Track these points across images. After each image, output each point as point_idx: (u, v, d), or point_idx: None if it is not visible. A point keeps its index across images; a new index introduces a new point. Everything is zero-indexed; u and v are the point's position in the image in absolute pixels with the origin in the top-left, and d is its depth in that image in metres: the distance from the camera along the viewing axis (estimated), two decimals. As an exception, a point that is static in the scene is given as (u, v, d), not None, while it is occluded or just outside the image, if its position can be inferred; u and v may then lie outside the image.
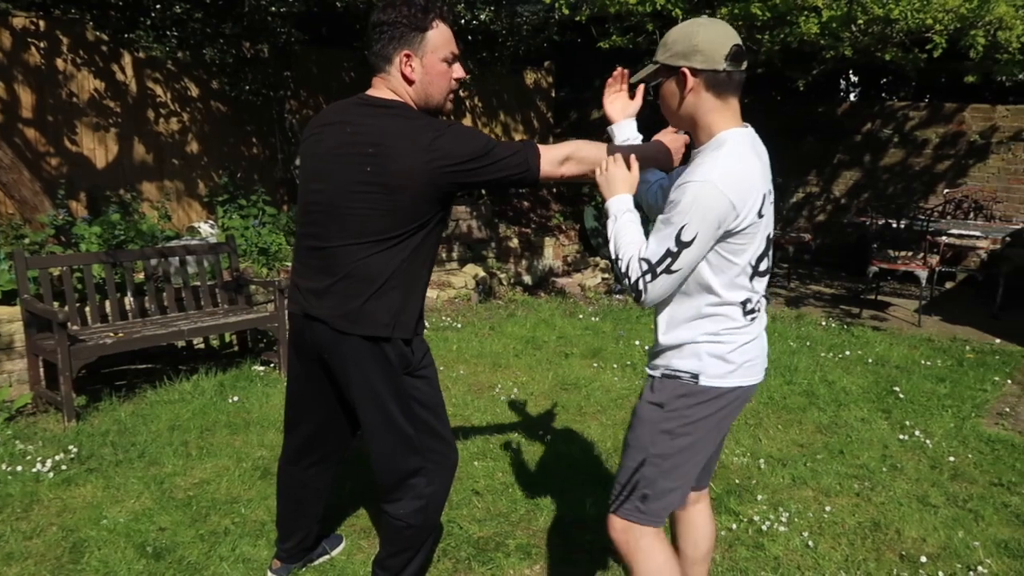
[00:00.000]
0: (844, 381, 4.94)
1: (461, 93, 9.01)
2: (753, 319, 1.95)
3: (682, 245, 1.77)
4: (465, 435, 3.97)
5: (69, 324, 4.13)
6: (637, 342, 5.80)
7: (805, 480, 3.58)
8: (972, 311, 6.98)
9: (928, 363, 5.38)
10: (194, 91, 6.86)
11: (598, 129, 8.90)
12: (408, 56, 2.05)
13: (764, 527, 3.12)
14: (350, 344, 2.14)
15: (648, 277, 1.84)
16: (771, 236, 1.93)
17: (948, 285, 8.20)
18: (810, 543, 3.01)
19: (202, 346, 5.40)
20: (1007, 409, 4.53)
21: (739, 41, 1.83)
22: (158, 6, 5.61)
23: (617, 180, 2.00)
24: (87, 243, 5.01)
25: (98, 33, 6.13)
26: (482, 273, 7.32)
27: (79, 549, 2.88)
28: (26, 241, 4.72)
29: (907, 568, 2.86)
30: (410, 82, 2.08)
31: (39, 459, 3.56)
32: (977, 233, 6.96)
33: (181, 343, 5.19)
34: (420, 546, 2.34)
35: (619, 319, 6.59)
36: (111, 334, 4.38)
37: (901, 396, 4.66)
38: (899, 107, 8.79)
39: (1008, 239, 7.11)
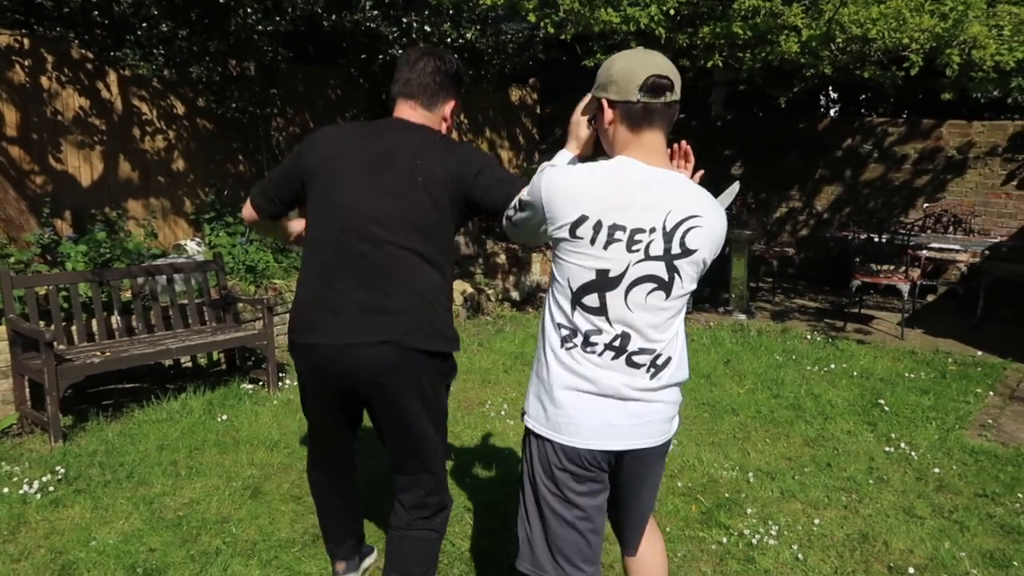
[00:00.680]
0: (830, 394, 5.00)
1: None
2: (568, 348, 1.81)
3: (518, 205, 1.92)
4: (456, 452, 3.98)
5: (56, 343, 4.10)
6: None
7: (794, 493, 3.61)
8: (953, 323, 7.08)
9: (912, 376, 5.45)
10: (180, 108, 6.85)
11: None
12: (455, 105, 2.32)
13: (754, 540, 3.15)
14: (415, 361, 2.14)
15: (508, 213, 1.99)
16: (612, 277, 1.75)
17: (929, 298, 8.31)
18: (800, 556, 3.05)
19: (189, 364, 5.37)
20: (990, 420, 4.60)
21: (661, 72, 1.74)
22: (144, 24, 5.61)
23: (571, 135, 2.01)
24: (73, 262, 4.97)
25: (83, 51, 6.12)
26: (470, 289, 7.34)
27: (68, 571, 2.85)
28: (11, 260, 4.68)
29: (896, 579, 2.90)
30: (448, 128, 2.33)
31: (26, 480, 3.53)
32: (957, 247, 7.07)
33: (168, 362, 5.16)
34: (439, 551, 2.42)
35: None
36: (98, 353, 4.35)
37: (886, 409, 4.72)
38: (878, 123, 8.94)
39: (987, 252, 7.23)
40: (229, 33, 5.79)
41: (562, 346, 1.82)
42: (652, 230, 1.73)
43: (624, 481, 1.95)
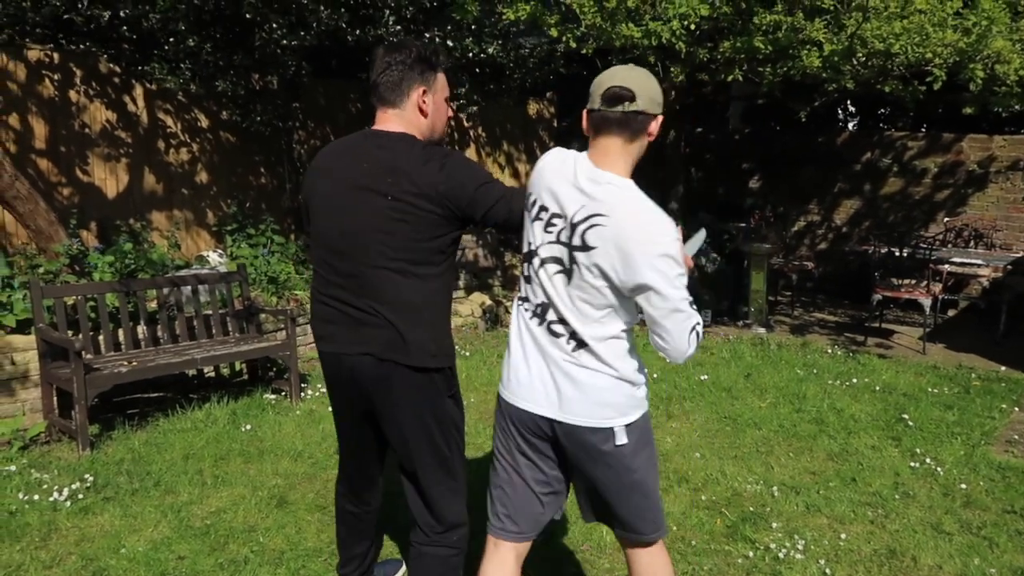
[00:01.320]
0: (853, 409, 4.97)
1: (465, 123, 9.15)
2: (517, 311, 2.06)
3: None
4: (479, 464, 3.98)
5: (84, 353, 4.16)
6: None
7: (819, 508, 3.59)
8: (975, 338, 7.03)
9: (935, 391, 5.41)
10: (204, 122, 6.95)
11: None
12: (424, 92, 2.20)
13: (781, 555, 3.13)
14: (401, 374, 2.16)
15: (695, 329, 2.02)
16: (532, 247, 1.99)
17: (950, 313, 8.25)
18: (827, 571, 3.03)
19: (212, 375, 5.42)
20: (1016, 436, 4.56)
21: (622, 84, 1.86)
22: (171, 39, 5.71)
23: None
24: (100, 272, 5.05)
25: (111, 65, 6.23)
26: (488, 301, 7.36)
27: (100, 578, 2.88)
28: (40, 270, 4.76)
29: (926, 595, 2.87)
30: (424, 115, 2.22)
31: (55, 488, 3.57)
32: (979, 261, 7.03)
33: (192, 372, 5.21)
34: (459, 567, 2.37)
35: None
36: (125, 363, 4.41)
37: (910, 424, 4.69)
38: (898, 137, 8.92)
39: (1009, 267, 7.18)
40: (254, 48, 5.88)
41: (517, 303, 2.09)
42: (563, 217, 1.92)
43: (572, 467, 2.09)
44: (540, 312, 1.99)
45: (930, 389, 5.45)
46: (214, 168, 7.09)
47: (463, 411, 2.38)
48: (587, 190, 1.89)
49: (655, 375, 5.68)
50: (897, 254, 6.97)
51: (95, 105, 6.25)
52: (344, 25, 5.58)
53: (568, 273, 1.92)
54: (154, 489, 3.66)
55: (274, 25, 5.52)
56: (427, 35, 5.72)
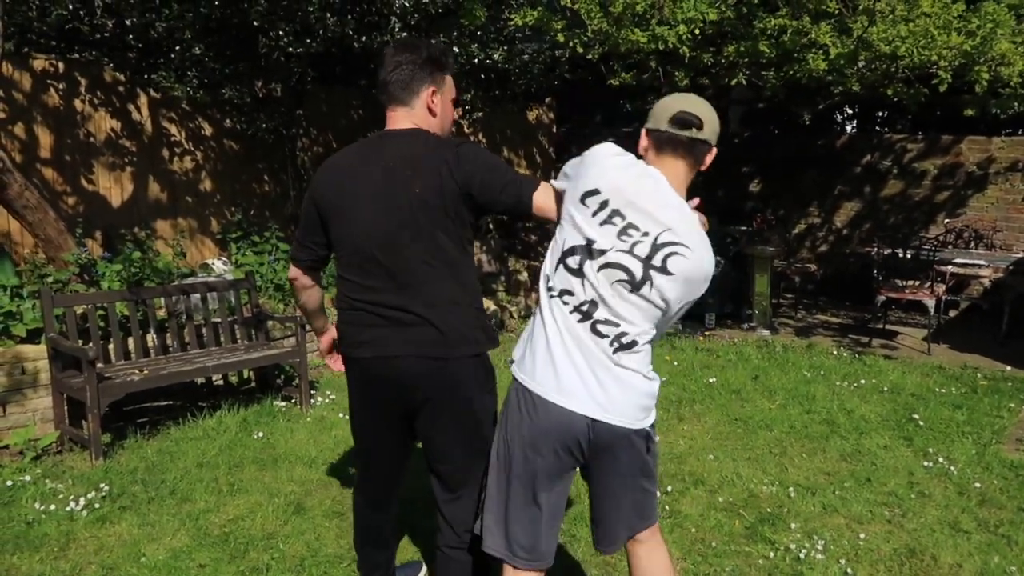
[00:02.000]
0: (862, 409, 4.99)
1: (466, 129, 9.17)
2: (552, 301, 2.00)
3: None
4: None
5: (96, 362, 4.14)
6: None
7: (836, 508, 3.60)
8: (978, 339, 7.06)
9: (942, 391, 5.43)
10: (207, 130, 6.95)
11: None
12: (434, 92, 2.23)
13: (801, 555, 3.14)
14: (449, 369, 2.16)
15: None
16: (595, 247, 1.94)
17: (952, 313, 8.29)
18: (849, 570, 3.04)
19: (221, 382, 5.40)
20: (1026, 435, 4.58)
21: (692, 111, 1.94)
22: (178, 47, 5.71)
23: None
24: (108, 281, 5.03)
25: (116, 74, 6.23)
26: (493, 307, 7.36)
27: (122, 587, 2.87)
28: (49, 280, 4.74)
29: (949, 594, 2.88)
30: (433, 115, 2.25)
31: (71, 497, 3.56)
32: (981, 262, 7.07)
33: (201, 380, 5.19)
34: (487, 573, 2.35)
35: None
36: (137, 371, 4.39)
37: (921, 424, 4.71)
38: (897, 139, 8.97)
39: (1011, 268, 7.22)
40: (259, 55, 5.89)
41: (548, 294, 2.03)
42: (645, 234, 1.91)
43: (594, 464, 2.07)
44: (587, 310, 1.96)
45: (938, 389, 5.48)
46: (218, 176, 7.08)
47: (496, 411, 2.34)
48: (674, 216, 1.92)
49: (664, 378, 5.66)
50: (901, 256, 7.00)
51: (100, 114, 6.24)
52: (350, 32, 5.59)
53: (636, 286, 1.92)
54: (170, 497, 3.65)
55: (280, 32, 5.52)
56: (432, 41, 5.73)
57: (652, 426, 2.10)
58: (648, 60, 6.61)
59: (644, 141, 2.01)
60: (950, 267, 6.95)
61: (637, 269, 1.91)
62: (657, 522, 2.21)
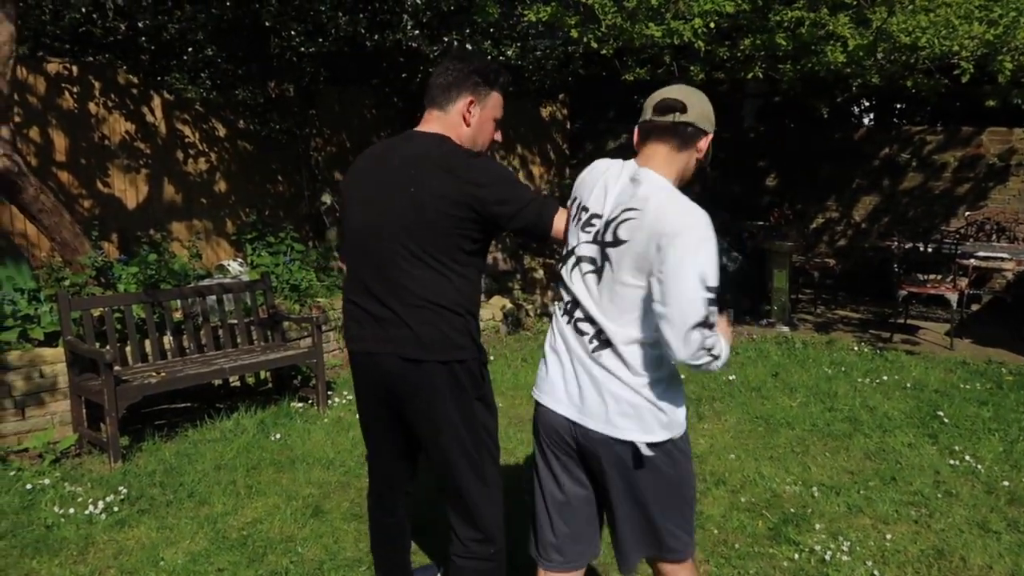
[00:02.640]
0: (885, 406, 4.91)
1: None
2: (555, 318, 2.04)
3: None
4: (510, 470, 3.95)
5: (114, 365, 4.14)
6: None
7: (861, 508, 3.54)
8: (1002, 333, 6.95)
9: (967, 386, 5.34)
10: (221, 131, 6.95)
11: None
12: (472, 102, 2.21)
13: (827, 557, 3.08)
14: (423, 371, 2.15)
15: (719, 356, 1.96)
16: (570, 247, 1.98)
17: (974, 307, 8.17)
18: (875, 572, 2.98)
19: (237, 384, 5.40)
20: (1054, 432, 4.49)
21: (672, 96, 1.91)
22: (190, 49, 5.71)
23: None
24: (124, 283, 5.04)
25: (129, 76, 6.24)
26: (509, 305, 7.33)
27: (141, 592, 2.86)
28: (66, 283, 4.75)
29: (980, 596, 2.82)
30: (466, 124, 2.22)
31: (90, 501, 3.55)
32: (1004, 255, 6.95)
33: (218, 381, 5.19)
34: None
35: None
36: (154, 374, 4.39)
37: (945, 421, 4.63)
38: (916, 132, 8.84)
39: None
40: (272, 56, 5.87)
41: (555, 304, 2.08)
42: (599, 216, 1.92)
43: (598, 480, 2.00)
44: (569, 309, 1.97)
45: (962, 385, 5.39)
46: (232, 177, 7.09)
47: (496, 418, 2.33)
48: (624, 188, 1.89)
49: (681, 376, 5.62)
50: (921, 249, 6.89)
51: (114, 116, 6.26)
52: (362, 31, 5.56)
53: (599, 272, 1.89)
54: (188, 500, 3.64)
55: (292, 32, 5.51)
56: (445, 39, 5.70)
57: (656, 445, 1.88)
58: (662, 55, 6.54)
59: (636, 136, 1.99)
60: (972, 260, 6.84)
61: (596, 254, 1.90)
62: (688, 560, 2.03)
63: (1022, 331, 6.84)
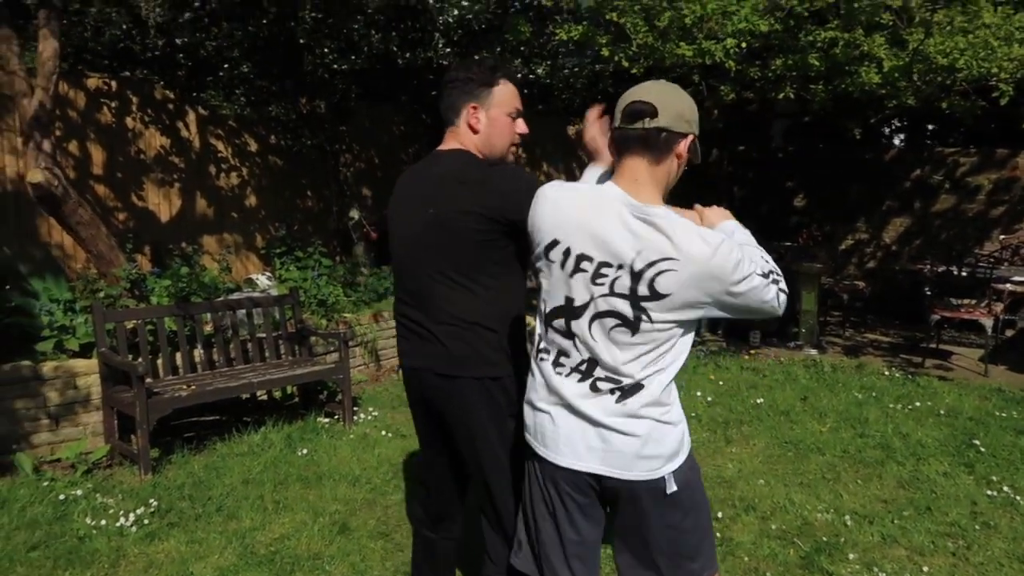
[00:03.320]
0: (919, 433, 4.82)
1: (508, 144, 9.17)
2: (542, 365, 1.83)
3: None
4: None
5: (146, 377, 4.18)
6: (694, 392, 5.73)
7: (895, 538, 3.47)
8: (1038, 360, 6.81)
9: (1003, 414, 5.23)
10: (253, 146, 7.04)
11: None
12: (475, 108, 2.19)
13: (862, 588, 3.02)
14: (457, 387, 2.16)
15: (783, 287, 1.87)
16: (576, 304, 1.75)
17: (1008, 333, 8.01)
18: (913, 606, 2.91)
19: (265, 398, 5.43)
20: (1095, 463, 4.38)
21: (641, 98, 1.72)
22: (226, 66, 5.80)
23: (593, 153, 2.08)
24: (157, 296, 5.10)
25: (166, 92, 6.35)
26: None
27: (171, 607, 2.86)
28: (101, 295, 4.82)
29: (1022, 634, 2.74)
30: (475, 131, 2.21)
31: (121, 513, 3.58)
32: (1040, 280, 6.82)
33: (246, 395, 5.23)
34: None
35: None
36: (184, 387, 4.43)
37: (982, 450, 4.53)
38: (949, 153, 8.74)
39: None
40: (305, 73, 5.95)
41: (537, 355, 1.87)
42: (620, 267, 1.69)
43: (616, 522, 1.87)
44: (586, 369, 1.76)
45: (998, 413, 5.27)
46: (262, 192, 7.17)
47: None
48: (638, 231, 1.69)
49: (708, 399, 5.57)
50: (956, 273, 6.79)
51: (150, 131, 6.36)
52: (395, 48, 5.62)
53: (633, 326, 1.70)
54: (216, 514, 3.65)
55: (325, 50, 5.58)
56: (475, 56, 5.74)
57: (677, 471, 1.81)
58: (691, 74, 6.53)
59: (610, 146, 1.84)
60: (1008, 285, 6.71)
61: (627, 308, 1.69)
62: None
63: (1059, 358, 6.70)
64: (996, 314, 6.49)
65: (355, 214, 7.40)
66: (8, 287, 4.87)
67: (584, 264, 1.73)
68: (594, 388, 1.76)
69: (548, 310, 1.82)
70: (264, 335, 5.21)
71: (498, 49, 5.89)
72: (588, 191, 1.80)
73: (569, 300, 1.76)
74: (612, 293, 1.71)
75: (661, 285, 1.66)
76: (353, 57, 5.77)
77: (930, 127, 10.53)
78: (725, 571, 3.15)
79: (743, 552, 3.31)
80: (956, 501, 3.86)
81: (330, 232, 7.63)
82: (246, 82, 5.87)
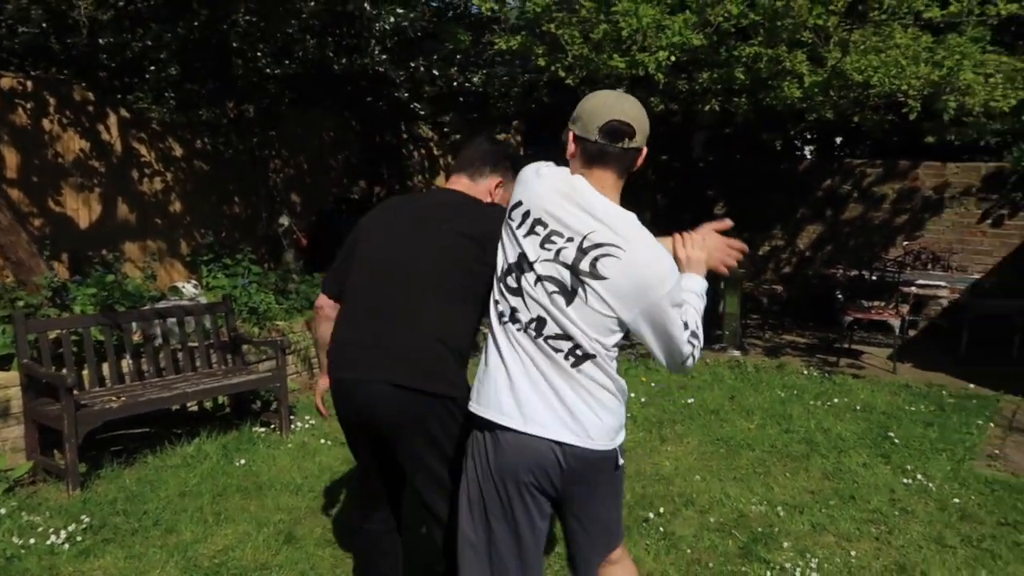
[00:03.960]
0: (838, 428, 5.10)
1: (435, 151, 9.20)
2: (505, 327, 1.92)
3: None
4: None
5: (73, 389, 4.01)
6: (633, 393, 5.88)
7: (824, 526, 3.67)
8: (940, 357, 7.28)
9: (912, 408, 5.59)
10: (178, 151, 6.83)
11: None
12: (500, 184, 2.39)
13: (797, 573, 3.19)
14: (418, 401, 2.17)
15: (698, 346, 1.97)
16: (527, 260, 1.89)
17: (911, 333, 8.54)
18: (844, 588, 3.09)
19: (195, 409, 5.27)
20: (996, 451, 4.74)
21: (623, 119, 1.84)
22: (152, 68, 5.63)
23: (701, 263, 2.10)
24: (81, 304, 4.89)
25: (85, 93, 6.10)
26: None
27: (115, 623, 2.77)
28: (20, 304, 4.59)
29: (943, 609, 2.95)
30: (491, 201, 2.39)
31: (51, 530, 3.43)
32: (941, 283, 7.32)
33: (176, 406, 5.06)
34: None
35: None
36: (114, 398, 4.27)
37: (896, 441, 4.83)
38: (857, 165, 9.26)
39: (969, 288, 7.49)
40: (236, 77, 5.83)
41: (499, 321, 1.95)
42: (569, 239, 1.85)
43: (568, 493, 1.95)
44: (536, 327, 1.87)
45: (907, 407, 5.63)
46: (188, 197, 6.96)
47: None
48: (600, 216, 1.84)
49: (642, 399, 5.73)
50: (867, 277, 7.21)
51: (68, 134, 6.09)
52: (331, 54, 5.58)
53: (569, 296, 1.84)
54: (154, 529, 3.54)
55: (259, 54, 5.49)
56: (412, 64, 5.76)
57: (621, 447, 1.99)
58: (620, 86, 6.72)
59: (572, 147, 1.93)
60: (913, 288, 7.17)
61: (566, 278, 1.84)
62: (624, 538, 2.17)
63: (958, 356, 7.19)
64: (903, 315, 6.93)
65: (285, 220, 7.27)
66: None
67: (538, 228, 1.88)
68: (549, 345, 1.87)
69: (503, 268, 1.95)
70: (196, 344, 5.07)
71: (434, 57, 5.92)
72: (558, 171, 1.96)
73: (521, 255, 1.91)
74: (556, 260, 1.86)
75: (602, 267, 1.82)
76: (287, 62, 5.69)
77: (838, 140, 11.12)
78: (670, 564, 3.27)
79: (686, 545, 3.44)
80: (876, 490, 4.11)
81: (258, 239, 7.47)
82: (174, 85, 5.70)
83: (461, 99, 6.43)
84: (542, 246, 1.86)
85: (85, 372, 4.51)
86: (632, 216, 1.90)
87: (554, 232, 1.85)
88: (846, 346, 7.64)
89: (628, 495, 3.97)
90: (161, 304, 5.42)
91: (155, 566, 3.19)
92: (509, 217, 1.95)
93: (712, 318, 7.97)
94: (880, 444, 4.81)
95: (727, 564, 3.29)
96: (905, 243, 8.83)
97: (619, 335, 1.91)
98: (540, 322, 1.86)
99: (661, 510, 3.78)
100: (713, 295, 8.00)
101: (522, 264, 1.89)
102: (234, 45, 5.33)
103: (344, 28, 5.77)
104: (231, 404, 5.36)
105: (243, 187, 7.32)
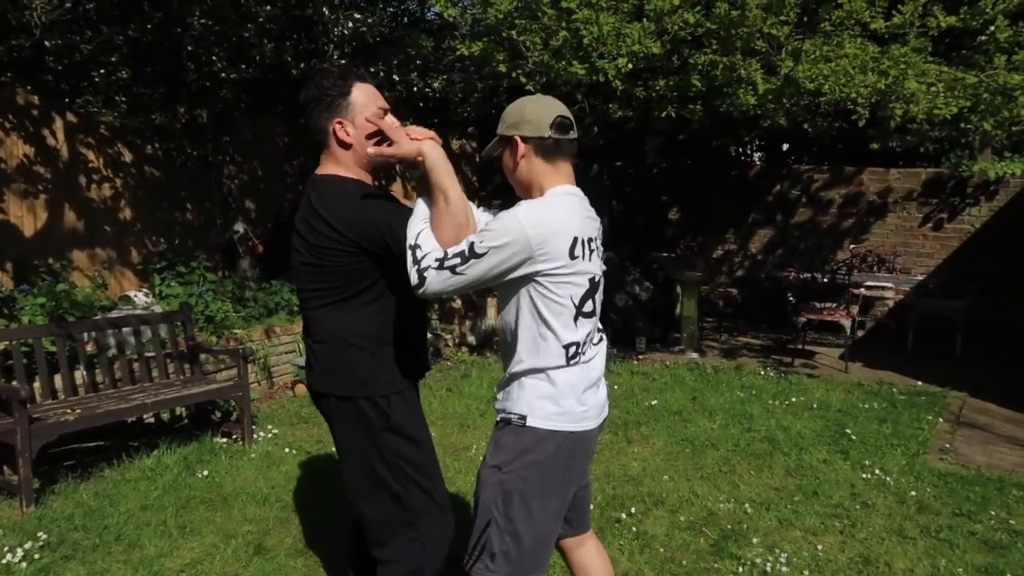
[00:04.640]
0: (798, 426, 5.23)
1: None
2: (575, 363, 2.01)
3: (473, 255, 1.88)
4: (451, 498, 3.94)
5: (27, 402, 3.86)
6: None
7: (791, 521, 3.75)
8: (888, 356, 7.53)
9: (866, 406, 5.76)
10: (127, 156, 6.64)
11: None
12: (340, 123, 2.15)
13: (768, 569, 3.25)
14: (330, 404, 2.24)
15: (435, 264, 1.89)
16: (596, 280, 2.06)
17: (859, 333, 8.81)
18: (814, 581, 3.16)
19: (152, 421, 5.13)
20: (947, 445, 4.91)
21: (564, 113, 2.08)
22: (102, 71, 5.47)
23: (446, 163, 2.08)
24: (30, 314, 4.71)
25: (30, 97, 5.89)
26: (428, 335, 7.30)
27: (81, 643, 2.67)
28: (-35, 315, 4.41)
29: (908, 597, 3.04)
30: (347, 146, 2.17)
31: (6, 548, 3.29)
32: (888, 284, 7.57)
33: (132, 418, 4.91)
34: None
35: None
36: (69, 411, 4.12)
37: (853, 438, 4.97)
38: (805, 170, 9.53)
39: (914, 289, 7.77)
40: (190, 81, 5.70)
41: (568, 363, 2.00)
42: (600, 236, 2.15)
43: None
44: (593, 328, 2.11)
45: (862, 404, 5.80)
46: (138, 204, 6.77)
47: (428, 451, 2.30)
48: (591, 214, 2.13)
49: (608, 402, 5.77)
50: (819, 279, 7.41)
51: (12, 139, 5.86)
52: (288, 59, 5.50)
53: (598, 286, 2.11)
54: (116, 543, 3.43)
55: (214, 57, 5.38)
56: (371, 69, 5.72)
57: None
58: (575, 92, 6.79)
59: (522, 149, 2.03)
60: (862, 289, 7.40)
61: (599, 271, 2.12)
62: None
63: (905, 355, 7.44)
64: (853, 316, 7.14)
65: (240, 227, 7.14)
66: None
67: (592, 244, 2.05)
68: (599, 341, 2.17)
69: (579, 300, 2.00)
70: (153, 354, 4.93)
71: (394, 62, 5.89)
72: (563, 197, 2.04)
73: (592, 279, 2.04)
74: (599, 258, 2.14)
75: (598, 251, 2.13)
76: (244, 66, 5.59)
77: (785, 146, 11.42)
78: (645, 563, 3.30)
79: (658, 544, 3.48)
80: (837, 485, 4.22)
81: (213, 246, 7.30)
82: (124, 89, 5.54)
83: (421, 104, 6.40)
84: (599, 256, 2.12)
85: (36, 384, 4.35)
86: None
87: (591, 239, 2.05)
88: (800, 347, 7.83)
89: (599, 496, 4.00)
90: (114, 313, 5.27)
91: (120, 583, 3.09)
92: (573, 256, 1.95)
93: (670, 321, 8.10)
94: (838, 441, 4.94)
95: (700, 561, 3.34)
96: (852, 246, 9.11)
97: None
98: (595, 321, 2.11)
99: (632, 510, 3.82)
100: (669, 299, 8.13)
101: (594, 283, 2.05)
102: (188, 49, 5.21)
103: (302, 32, 5.69)
104: (190, 415, 5.23)
105: (196, 193, 7.16)
